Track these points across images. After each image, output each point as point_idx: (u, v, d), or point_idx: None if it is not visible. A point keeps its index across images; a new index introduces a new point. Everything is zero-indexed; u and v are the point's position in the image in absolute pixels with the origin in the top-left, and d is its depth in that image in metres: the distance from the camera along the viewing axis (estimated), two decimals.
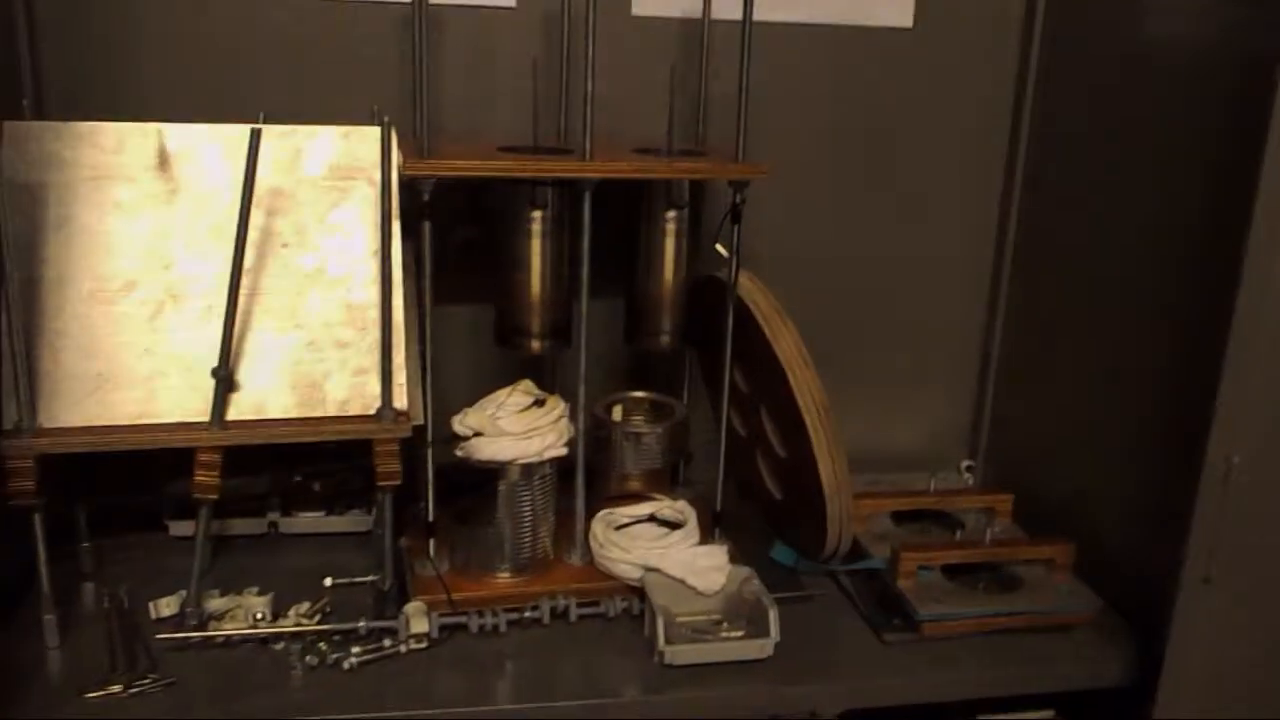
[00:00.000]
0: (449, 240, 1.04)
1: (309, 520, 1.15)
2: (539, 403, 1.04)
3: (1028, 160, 1.26)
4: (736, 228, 1.04)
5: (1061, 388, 1.21)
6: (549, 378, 1.15)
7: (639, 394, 1.19)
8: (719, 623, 1.01)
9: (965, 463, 1.33)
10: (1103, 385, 1.13)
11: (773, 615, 0.97)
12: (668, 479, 1.18)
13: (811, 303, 1.24)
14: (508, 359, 1.15)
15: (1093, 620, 1.05)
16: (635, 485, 1.15)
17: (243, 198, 0.92)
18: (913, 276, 1.32)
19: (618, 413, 1.18)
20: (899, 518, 1.21)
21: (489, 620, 0.99)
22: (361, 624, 0.96)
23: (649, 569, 1.02)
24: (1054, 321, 1.23)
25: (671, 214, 1.08)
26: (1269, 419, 0.91)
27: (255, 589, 1.01)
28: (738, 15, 1.02)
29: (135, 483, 1.09)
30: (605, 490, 1.14)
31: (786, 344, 1.02)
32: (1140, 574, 1.03)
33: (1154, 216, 1.05)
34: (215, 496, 0.94)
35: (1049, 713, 1.10)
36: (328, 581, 1.03)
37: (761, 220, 1.18)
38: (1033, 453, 1.27)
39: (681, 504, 1.10)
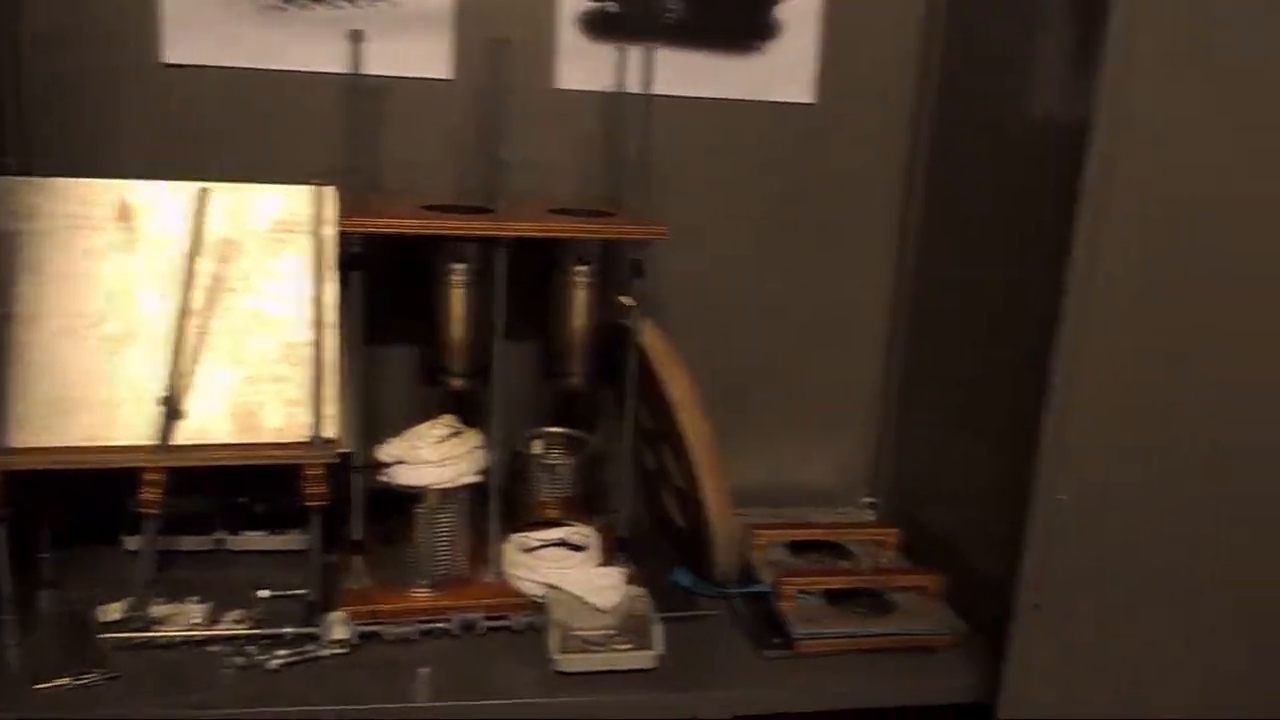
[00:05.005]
0: (385, 288, 1.16)
1: (252, 539, 1.26)
2: (458, 434, 1.16)
3: (919, 222, 1.39)
4: (638, 281, 1.16)
5: (943, 432, 1.33)
6: (479, 414, 1.26)
7: (557, 429, 1.31)
8: (613, 636, 1.12)
9: (866, 499, 1.44)
10: (972, 431, 1.24)
11: (655, 629, 1.08)
12: (584, 507, 1.29)
13: (725, 350, 1.38)
14: (444, 396, 1.26)
15: (958, 643, 1.16)
16: (553, 512, 1.26)
17: (190, 247, 1.05)
18: (818, 327, 1.44)
19: (538, 446, 1.30)
20: (797, 548, 1.32)
21: (404, 630, 1.10)
22: (285, 630, 1.07)
23: (551, 587, 1.14)
24: (938, 372, 1.35)
25: (580, 268, 1.20)
26: (1092, 467, 1.02)
27: (197, 598, 1.13)
28: (653, 89, 1.15)
29: (99, 502, 1.21)
30: (526, 516, 1.26)
31: (677, 386, 1.14)
32: (997, 602, 1.14)
33: (1009, 279, 1.17)
34: (158, 511, 1.05)
35: None
36: (264, 593, 1.14)
37: (677, 273, 1.32)
38: (923, 491, 1.38)
39: (586, 529, 1.22)
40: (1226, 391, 1.03)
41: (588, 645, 1.09)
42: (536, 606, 1.14)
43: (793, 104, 1.35)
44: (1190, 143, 0.96)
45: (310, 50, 1.22)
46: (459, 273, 1.15)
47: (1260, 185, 0.98)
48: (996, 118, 1.23)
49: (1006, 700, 1.06)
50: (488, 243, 1.12)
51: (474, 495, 1.17)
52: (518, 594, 1.16)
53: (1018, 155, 1.19)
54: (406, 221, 1.08)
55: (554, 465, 1.25)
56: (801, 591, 1.17)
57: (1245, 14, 0.94)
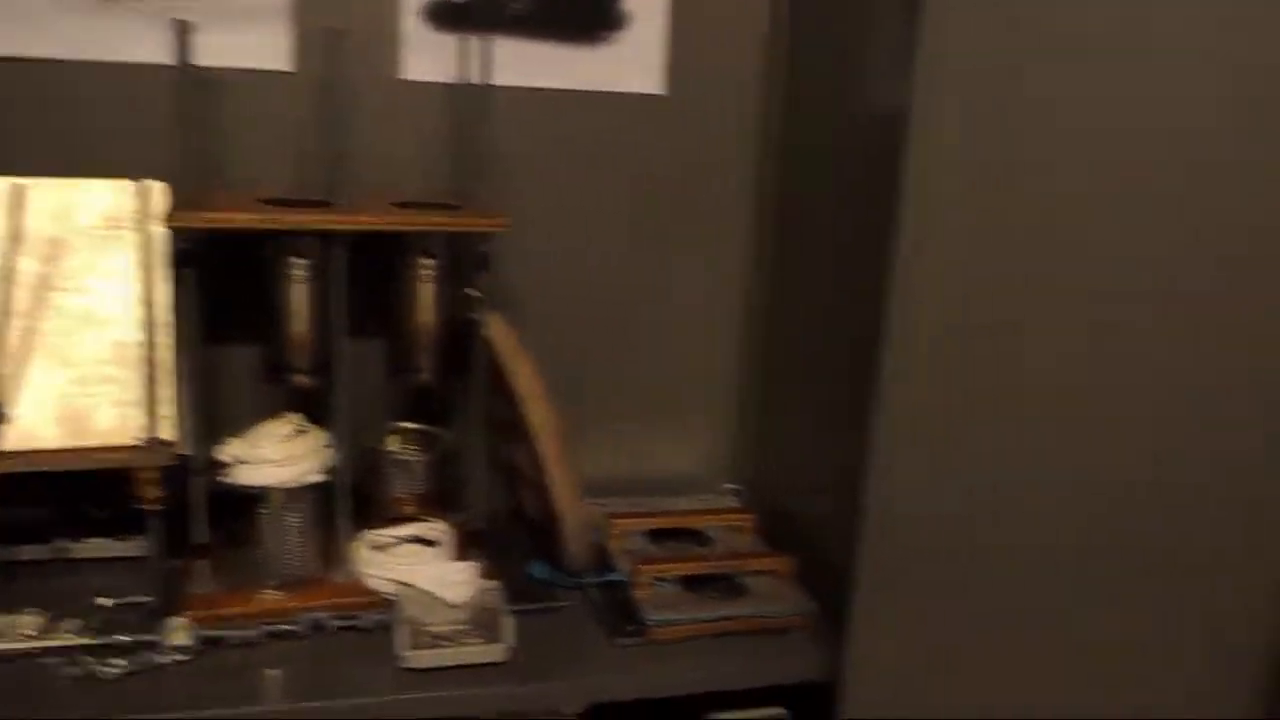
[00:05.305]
0: (225, 284, 1.13)
1: (94, 546, 1.22)
2: (304, 433, 1.14)
3: (773, 212, 1.40)
4: (484, 274, 1.15)
5: (796, 418, 1.35)
6: (328, 411, 1.24)
7: (410, 425, 1.30)
8: (463, 631, 1.11)
9: (728, 486, 1.46)
10: (821, 417, 1.27)
11: (505, 621, 1.08)
12: (439, 502, 1.28)
13: (582, 342, 1.38)
14: (291, 394, 1.24)
15: (808, 624, 1.18)
16: (409, 509, 1.25)
17: (8, 246, 1.01)
18: (675, 317, 1.45)
19: (394, 442, 1.28)
20: (657, 536, 1.32)
21: (248, 633, 1.08)
22: (122, 638, 1.04)
23: (403, 584, 1.13)
24: (793, 359, 1.37)
25: (425, 262, 1.19)
26: (920, 450, 1.05)
27: (33, 609, 1.09)
28: (500, 81, 1.15)
29: None
30: (381, 513, 1.24)
31: (523, 378, 1.14)
32: (845, 583, 1.16)
33: (851, 271, 1.19)
34: None
35: (779, 709, 1.23)
36: (108, 601, 1.11)
37: (529, 266, 1.31)
38: (781, 476, 1.40)
39: (440, 525, 1.21)
40: (1052, 377, 1.07)
41: (437, 641, 1.08)
42: (388, 604, 1.13)
43: (642, 95, 1.35)
44: (1006, 134, 0.99)
45: (140, 41, 1.18)
46: (299, 268, 1.13)
47: (1076, 176, 1.02)
48: (840, 111, 1.25)
49: (849, 677, 1.09)
50: (326, 237, 1.11)
51: (323, 494, 1.15)
52: (369, 592, 1.14)
53: (857, 149, 1.21)
54: (237, 216, 1.06)
55: (407, 461, 1.24)
56: (658, 579, 1.18)
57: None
